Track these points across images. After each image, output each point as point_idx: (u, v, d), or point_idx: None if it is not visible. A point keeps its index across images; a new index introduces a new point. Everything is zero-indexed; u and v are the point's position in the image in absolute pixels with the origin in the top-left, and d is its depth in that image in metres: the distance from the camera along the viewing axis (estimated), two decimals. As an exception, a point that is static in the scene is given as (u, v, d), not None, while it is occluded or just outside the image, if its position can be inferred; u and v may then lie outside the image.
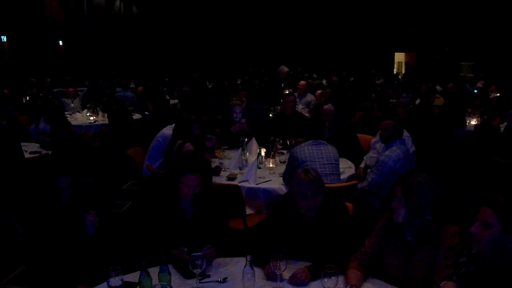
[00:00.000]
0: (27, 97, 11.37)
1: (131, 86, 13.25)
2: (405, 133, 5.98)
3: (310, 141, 4.64)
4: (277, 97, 9.87)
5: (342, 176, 4.82)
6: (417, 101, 10.91)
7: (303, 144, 4.66)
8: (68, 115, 8.94)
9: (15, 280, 4.49)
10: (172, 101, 12.01)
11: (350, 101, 10.20)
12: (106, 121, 8.75)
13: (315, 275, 2.68)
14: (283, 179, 4.67)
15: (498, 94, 13.28)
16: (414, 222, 2.58)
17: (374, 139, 6.03)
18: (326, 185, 4.26)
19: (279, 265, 2.57)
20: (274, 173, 4.94)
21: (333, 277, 2.44)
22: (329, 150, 4.63)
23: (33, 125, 7.15)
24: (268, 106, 9.11)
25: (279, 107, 8.53)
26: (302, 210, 3.00)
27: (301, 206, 2.98)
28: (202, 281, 2.68)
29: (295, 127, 6.44)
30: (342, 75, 18.01)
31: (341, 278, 2.59)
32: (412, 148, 5.87)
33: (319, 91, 9.66)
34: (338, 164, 4.71)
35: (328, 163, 4.56)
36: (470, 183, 7.18)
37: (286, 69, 11.59)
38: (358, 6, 24.52)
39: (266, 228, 3.19)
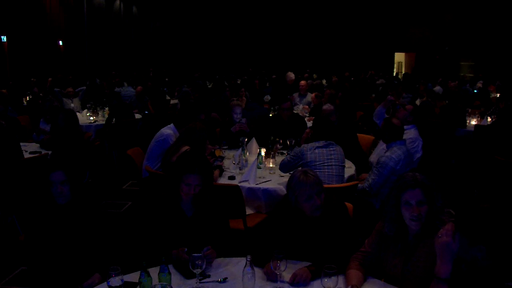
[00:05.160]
0: (27, 97, 11.36)
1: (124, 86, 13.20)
2: (417, 136, 5.97)
3: (322, 142, 4.67)
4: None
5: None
6: (417, 101, 10.93)
7: (314, 144, 4.67)
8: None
9: (15, 280, 4.49)
10: (172, 101, 12.02)
11: (350, 101, 10.20)
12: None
13: (315, 275, 2.68)
14: (282, 167, 4.74)
15: (498, 95, 13.28)
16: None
17: None
18: (327, 186, 4.30)
19: (279, 265, 2.57)
20: (274, 173, 4.94)
21: (333, 277, 2.44)
22: (338, 152, 4.68)
23: (34, 133, 7.12)
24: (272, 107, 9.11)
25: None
26: (307, 212, 2.98)
27: (307, 207, 2.97)
28: (202, 281, 2.68)
29: (294, 129, 6.45)
30: (345, 75, 18.01)
31: (341, 278, 2.59)
32: (419, 154, 5.85)
33: (313, 94, 9.65)
34: (344, 166, 4.76)
35: (335, 165, 4.60)
36: (470, 183, 7.19)
37: (293, 76, 11.75)
38: (358, 6, 24.52)
39: (266, 228, 3.18)
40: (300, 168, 3.23)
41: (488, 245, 2.17)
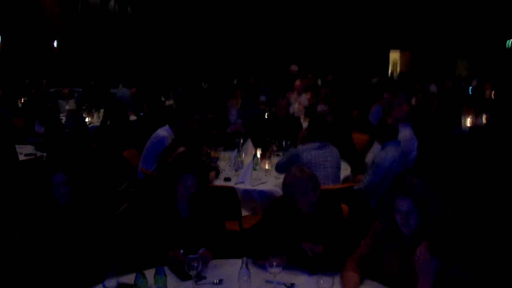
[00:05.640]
0: (22, 99, 11.32)
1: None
2: (412, 136, 5.99)
3: (317, 143, 4.69)
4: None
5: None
6: (413, 100, 10.93)
7: (309, 146, 4.69)
8: (63, 117, 8.91)
9: (13, 281, 4.48)
10: (167, 102, 11.98)
11: (346, 101, 10.20)
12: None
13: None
14: (278, 168, 4.75)
15: (493, 93, 13.31)
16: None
17: None
18: (323, 187, 4.31)
19: (275, 267, 2.58)
20: (269, 174, 4.94)
21: (329, 278, 2.45)
22: (333, 153, 4.71)
23: (30, 136, 7.11)
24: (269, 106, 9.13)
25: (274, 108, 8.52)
26: (302, 208, 3.01)
27: (302, 203, 3.00)
28: (198, 282, 2.68)
29: (289, 129, 6.46)
30: (340, 74, 17.99)
31: (337, 278, 2.60)
32: (413, 152, 5.86)
33: (308, 93, 9.67)
34: (340, 168, 4.78)
35: (331, 167, 4.63)
36: (466, 182, 7.21)
37: (296, 67, 12.09)
38: (354, 5, 24.53)
39: (262, 225, 3.19)
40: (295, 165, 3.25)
41: (461, 263, 2.15)
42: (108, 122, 8.44)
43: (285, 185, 3.09)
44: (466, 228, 2.17)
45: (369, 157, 5.91)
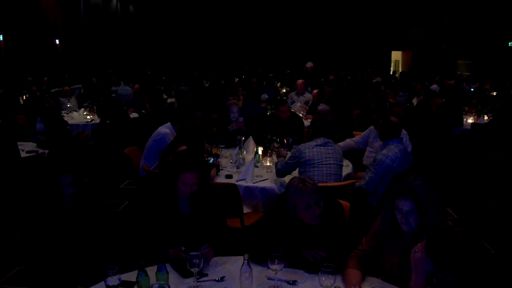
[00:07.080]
0: (24, 96, 11.34)
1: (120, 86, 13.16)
2: (403, 131, 5.99)
3: (319, 140, 4.68)
4: None
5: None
6: (414, 100, 10.93)
7: (311, 143, 4.68)
8: (65, 114, 8.93)
9: (12, 280, 4.48)
10: (169, 100, 12.00)
11: (347, 100, 10.21)
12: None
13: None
14: (278, 172, 4.69)
15: (494, 93, 13.29)
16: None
17: (370, 138, 6.04)
18: (325, 184, 4.31)
19: (276, 264, 2.58)
20: (271, 171, 4.94)
21: (330, 275, 2.44)
22: (335, 150, 4.70)
23: (31, 134, 7.12)
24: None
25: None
26: (306, 221, 2.96)
27: (306, 216, 2.94)
28: (199, 280, 2.68)
29: (292, 128, 6.45)
30: (342, 74, 18.00)
31: (338, 276, 2.60)
32: (409, 147, 5.87)
33: (315, 90, 9.68)
34: (342, 165, 4.78)
35: (333, 163, 4.62)
36: (467, 181, 7.21)
37: (311, 63, 12.85)
38: (355, 5, 24.52)
39: (265, 230, 3.14)
40: (296, 176, 3.20)
41: (454, 273, 2.13)
42: (108, 121, 8.44)
43: (288, 198, 2.99)
44: (464, 239, 2.15)
45: (365, 158, 5.92)
